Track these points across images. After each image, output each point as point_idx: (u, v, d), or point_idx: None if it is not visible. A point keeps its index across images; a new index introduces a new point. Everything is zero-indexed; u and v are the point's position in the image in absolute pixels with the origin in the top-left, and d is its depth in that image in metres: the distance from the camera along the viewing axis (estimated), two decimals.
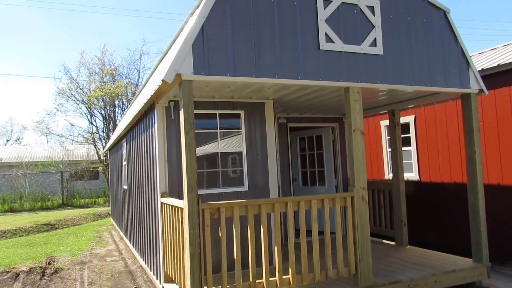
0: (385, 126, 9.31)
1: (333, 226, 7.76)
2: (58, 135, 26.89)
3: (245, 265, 5.44)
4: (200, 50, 4.39)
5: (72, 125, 26.92)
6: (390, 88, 5.43)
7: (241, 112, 6.21)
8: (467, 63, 5.91)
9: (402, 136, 8.04)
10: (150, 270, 6.57)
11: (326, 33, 4.98)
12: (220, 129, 6.12)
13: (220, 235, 4.43)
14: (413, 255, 6.59)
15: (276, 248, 4.66)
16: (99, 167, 22.49)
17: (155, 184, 5.89)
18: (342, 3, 5.10)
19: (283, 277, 4.68)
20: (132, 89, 21.51)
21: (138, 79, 22.72)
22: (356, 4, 5.19)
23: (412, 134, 8.54)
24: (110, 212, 18.32)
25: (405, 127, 8.60)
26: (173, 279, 5.17)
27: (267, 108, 6.35)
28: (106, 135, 21.43)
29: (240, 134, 6.19)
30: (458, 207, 7.56)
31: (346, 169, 8.62)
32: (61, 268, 8.23)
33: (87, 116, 22.01)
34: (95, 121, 21.99)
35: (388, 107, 7.30)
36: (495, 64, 6.81)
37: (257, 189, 6.19)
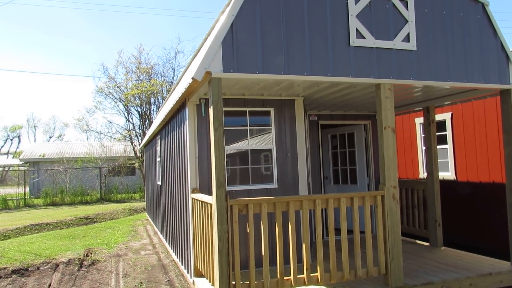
0: (420, 123, 9.06)
1: (363, 225, 7.66)
2: (97, 132, 27.87)
3: (272, 262, 5.47)
4: (229, 47, 4.43)
5: (110, 122, 27.84)
6: (424, 85, 5.28)
7: (271, 110, 6.22)
8: (507, 57, 5.66)
9: (438, 134, 7.81)
10: (182, 264, 6.72)
11: (357, 29, 4.91)
12: (250, 126, 6.16)
13: (248, 231, 4.47)
14: (448, 256, 6.39)
15: (304, 246, 4.65)
16: (135, 163, 23.14)
17: (186, 180, 6.00)
18: None
19: (311, 274, 4.66)
20: (167, 87, 21.96)
21: (173, 77, 23.18)
22: None
23: (448, 132, 8.27)
24: (145, 207, 18.84)
25: (441, 125, 8.34)
26: (203, 273, 5.26)
27: (297, 105, 6.33)
28: (142, 132, 22.01)
29: (270, 131, 6.21)
30: (496, 208, 7.26)
31: (378, 167, 8.45)
32: (98, 260, 8.54)
33: (124, 114, 22.69)
34: (131, 119, 22.65)
35: (423, 104, 7.10)
36: None
37: (287, 187, 6.19)
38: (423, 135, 8.91)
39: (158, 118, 10.97)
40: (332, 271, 4.74)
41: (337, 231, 5.38)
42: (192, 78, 4.35)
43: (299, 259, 5.68)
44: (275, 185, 6.14)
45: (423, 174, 8.98)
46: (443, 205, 7.67)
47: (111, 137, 25.44)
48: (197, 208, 5.44)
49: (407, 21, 5.15)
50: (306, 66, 4.69)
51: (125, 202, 22.37)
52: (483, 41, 5.56)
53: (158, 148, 10.11)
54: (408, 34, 5.15)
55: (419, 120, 9.04)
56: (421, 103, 7.09)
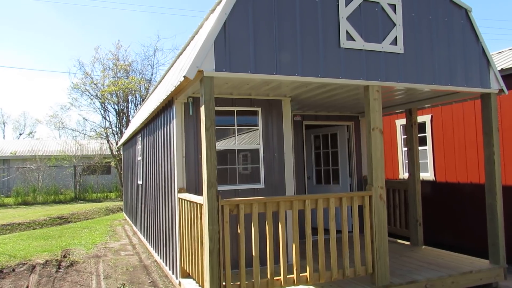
0: (400, 125, 9.24)
1: (349, 225, 7.76)
2: (72, 129, 27.13)
3: (262, 262, 5.46)
4: (221, 46, 4.40)
5: (86, 119, 27.20)
6: (410, 87, 5.39)
7: (259, 109, 6.22)
8: (487, 62, 5.85)
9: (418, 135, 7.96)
10: (166, 265, 6.63)
11: (347, 31, 4.96)
12: (237, 126, 6.14)
13: (238, 231, 4.45)
14: (429, 255, 6.55)
15: (294, 246, 4.67)
16: (112, 162, 22.68)
17: (173, 179, 5.93)
18: (364, 1, 5.08)
19: (301, 274, 4.69)
20: (146, 84, 21.64)
21: (152, 74, 22.86)
22: (378, 2, 5.16)
23: (428, 134, 8.47)
24: (122, 207, 18.50)
25: (421, 127, 8.53)
26: (190, 274, 5.21)
27: (284, 106, 6.35)
28: (119, 130, 21.60)
29: (257, 131, 6.20)
30: (473, 208, 7.49)
31: (360, 167, 8.59)
32: (76, 261, 8.33)
33: (100, 111, 22.21)
34: (108, 116, 22.19)
35: (406, 106, 7.25)
36: None
37: (273, 187, 6.20)
38: (404, 137, 9.10)
39: (139, 117, 10.79)
40: (321, 271, 4.78)
41: (325, 231, 5.43)
42: (184, 77, 4.29)
43: (289, 259, 5.70)
44: (262, 185, 6.14)
45: (403, 175, 9.17)
46: (423, 205, 7.85)
47: (85, 134, 24.89)
48: (184, 208, 5.38)
49: (395, 25, 5.25)
50: (297, 67, 4.71)
51: (101, 201, 21.91)
52: (466, 46, 5.72)
53: (139, 147, 9.94)
54: (396, 37, 5.24)
55: (400, 122, 9.23)
56: (404, 105, 7.24)
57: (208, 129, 4.31)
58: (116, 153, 21.51)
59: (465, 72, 5.68)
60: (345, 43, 4.94)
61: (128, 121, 21.11)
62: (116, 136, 21.81)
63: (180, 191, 5.66)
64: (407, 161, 7.82)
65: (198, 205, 4.69)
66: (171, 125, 6.01)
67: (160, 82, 9.40)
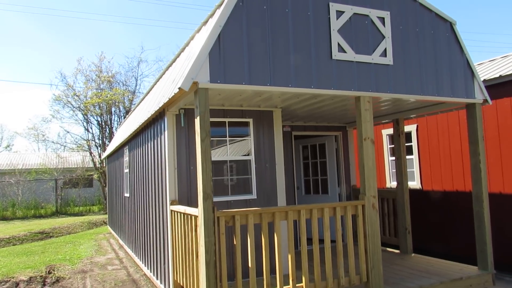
0: (386, 135, 9.40)
1: (344, 234, 7.79)
2: (53, 141, 26.61)
3: (258, 273, 5.44)
4: (216, 58, 4.43)
5: (68, 132, 26.71)
6: (400, 98, 5.51)
7: (250, 120, 6.25)
8: (472, 73, 6.03)
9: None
10: (157, 279, 6.53)
11: (338, 43, 5.06)
12: (229, 136, 6.15)
13: (234, 242, 4.44)
14: (419, 263, 6.64)
15: (289, 256, 4.67)
16: (94, 175, 22.28)
17: (164, 191, 5.88)
18: (354, 13, 5.19)
19: (297, 285, 4.69)
20: (130, 96, 21.46)
21: (136, 86, 22.69)
22: (367, 15, 5.29)
23: (414, 143, 8.64)
24: (106, 220, 18.16)
25: (407, 136, 8.70)
26: (184, 286, 5.15)
27: (275, 117, 6.40)
28: (102, 143, 21.30)
29: (248, 141, 6.22)
30: (460, 215, 7.65)
31: (349, 177, 8.68)
32: (62, 277, 8.13)
33: (83, 123, 21.89)
34: (91, 128, 21.89)
35: (393, 116, 7.39)
36: (497, 75, 6.94)
37: (265, 197, 6.21)
38: (390, 146, 9.25)
39: (125, 128, 10.69)
40: (316, 281, 4.79)
41: (320, 241, 5.44)
42: (179, 88, 4.29)
43: (284, 269, 5.69)
44: (254, 195, 6.14)
45: (389, 184, 9.30)
46: (410, 213, 7.97)
47: (65, 147, 24.44)
48: (177, 221, 5.33)
49: (384, 37, 5.37)
50: (290, 78, 4.77)
51: (83, 215, 21.47)
52: (451, 57, 5.89)
53: (126, 159, 9.83)
54: (385, 49, 5.36)
55: (386, 132, 9.39)
56: (391, 115, 7.38)
57: (204, 140, 4.30)
58: (99, 166, 21.18)
59: (451, 83, 5.84)
60: (336, 55, 5.04)
61: (111, 133, 20.87)
62: (99, 148, 21.51)
63: (172, 203, 5.61)
64: (394, 170, 7.94)
65: (193, 217, 4.66)
66: (162, 136, 5.98)
67: (148, 93, 9.35)
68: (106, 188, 17.02)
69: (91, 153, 21.89)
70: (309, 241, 7.17)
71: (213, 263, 4.24)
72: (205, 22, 5.36)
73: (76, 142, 22.91)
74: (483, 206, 5.95)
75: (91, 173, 23.76)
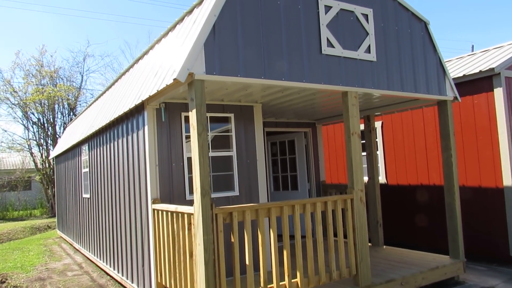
0: None
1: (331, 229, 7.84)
2: None
3: (254, 269, 5.31)
4: (211, 49, 4.26)
5: (5, 130, 24.58)
6: (382, 94, 5.64)
7: (231, 115, 6.10)
8: (444, 72, 6.32)
9: None
10: (132, 282, 6.18)
11: (327, 38, 5.07)
12: (210, 132, 5.96)
13: (232, 240, 4.29)
14: (393, 254, 6.86)
15: (285, 252, 4.61)
16: (36, 177, 20.74)
17: (144, 190, 5.57)
18: (341, 9, 5.24)
19: (292, 280, 4.64)
20: (75, 92, 20.25)
21: (82, 82, 21.44)
22: (353, 11, 5.35)
23: (379, 139, 8.93)
24: (51, 225, 17.03)
25: None
26: (171, 287, 4.91)
27: (256, 112, 6.31)
28: (44, 142, 19.92)
29: (230, 137, 6.08)
30: (425, 207, 8.01)
31: (318, 173, 8.79)
32: (18, 286, 7.47)
33: (22, 121, 20.31)
34: (32, 127, 20.35)
35: (364, 112, 7.57)
36: (461, 75, 7.35)
37: (248, 194, 6.10)
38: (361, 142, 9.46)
39: (82, 126, 10.06)
40: (310, 276, 4.77)
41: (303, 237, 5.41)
42: (174, 79, 4.07)
43: (280, 263, 5.58)
44: (236, 192, 6.01)
45: None
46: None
47: (1, 146, 22.56)
48: (163, 220, 5.07)
49: (368, 34, 5.47)
50: (284, 72, 4.70)
51: (24, 219, 19.97)
52: (426, 56, 6.13)
53: (85, 157, 9.24)
54: (369, 45, 5.46)
55: None
56: (362, 111, 7.55)
57: (201, 134, 4.12)
58: (42, 167, 19.79)
59: (426, 81, 6.08)
60: (326, 49, 5.05)
61: (55, 132, 19.58)
62: (40, 148, 20.10)
63: (154, 202, 5.33)
64: (365, 166, 8.14)
65: (186, 215, 4.45)
66: (141, 132, 5.67)
67: (109, 88, 8.86)
68: (54, 190, 15.91)
69: (32, 154, 20.38)
70: (292, 237, 7.15)
71: (212, 262, 4.07)
72: (190, 12, 5.15)
73: (15, 141, 21.17)
74: (455, 198, 6.27)
75: (32, 175, 22.12)
